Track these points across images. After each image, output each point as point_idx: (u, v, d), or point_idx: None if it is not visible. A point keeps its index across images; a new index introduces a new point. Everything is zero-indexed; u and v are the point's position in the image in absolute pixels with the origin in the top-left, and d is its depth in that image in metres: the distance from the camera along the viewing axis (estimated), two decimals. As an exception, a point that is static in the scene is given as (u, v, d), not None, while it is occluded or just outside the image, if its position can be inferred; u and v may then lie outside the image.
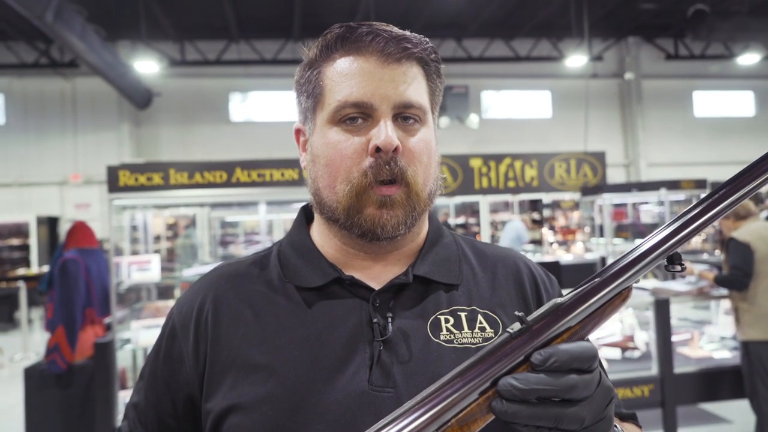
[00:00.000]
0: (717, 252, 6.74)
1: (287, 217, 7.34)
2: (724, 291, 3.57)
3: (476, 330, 0.71)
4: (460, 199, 9.30)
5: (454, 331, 0.70)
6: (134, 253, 5.08)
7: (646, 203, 8.61)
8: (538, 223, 11.16)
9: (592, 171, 8.81)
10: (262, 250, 0.82)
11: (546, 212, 11.32)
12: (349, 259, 0.74)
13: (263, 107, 12.98)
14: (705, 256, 6.58)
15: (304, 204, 0.84)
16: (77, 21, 7.99)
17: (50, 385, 3.42)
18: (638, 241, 0.56)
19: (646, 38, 13.53)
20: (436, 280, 0.74)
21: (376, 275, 0.74)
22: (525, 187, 8.74)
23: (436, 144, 0.75)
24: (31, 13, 6.92)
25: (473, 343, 0.69)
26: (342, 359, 0.67)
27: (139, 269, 3.30)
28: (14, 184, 11.83)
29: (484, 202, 8.61)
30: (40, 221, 11.38)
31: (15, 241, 11.25)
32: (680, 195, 6.65)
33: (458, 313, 0.72)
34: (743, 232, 3.29)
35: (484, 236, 8.69)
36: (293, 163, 3.49)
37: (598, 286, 0.53)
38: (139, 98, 11.53)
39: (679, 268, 0.55)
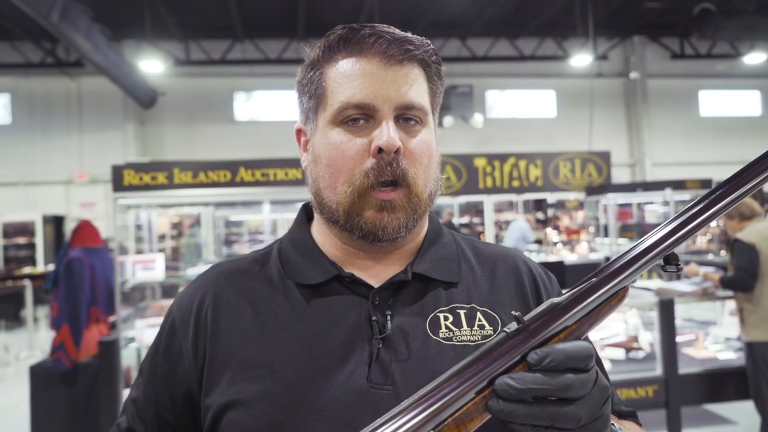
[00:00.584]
0: (722, 252, 6.71)
1: (291, 216, 7.36)
2: (729, 292, 3.55)
3: (475, 327, 0.71)
4: (464, 199, 9.29)
5: (453, 328, 0.70)
6: (139, 252, 5.10)
7: (651, 203, 8.58)
8: (542, 223, 11.14)
9: (597, 171, 8.79)
10: (263, 248, 0.82)
11: (550, 212, 11.29)
12: (349, 257, 0.75)
13: (267, 106, 13.00)
14: (710, 257, 6.55)
15: (304, 203, 0.84)
16: (83, 20, 8.03)
17: (55, 383, 3.44)
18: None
19: (651, 37, 13.47)
20: (435, 277, 0.74)
21: (376, 273, 0.74)
22: (529, 186, 8.73)
23: (436, 145, 0.75)
24: (36, 13, 6.95)
25: (472, 341, 0.70)
26: (341, 356, 0.67)
27: (144, 268, 3.31)
28: (20, 183, 11.89)
29: (489, 201, 8.60)
30: (46, 220, 11.44)
31: (21, 240, 11.31)
32: (685, 195, 6.62)
33: (457, 310, 0.72)
34: (748, 233, 3.27)
35: (489, 236, 8.68)
36: (297, 163, 3.50)
37: (595, 286, 0.53)
38: (144, 98, 11.57)
39: (675, 268, 0.55)
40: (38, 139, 12.07)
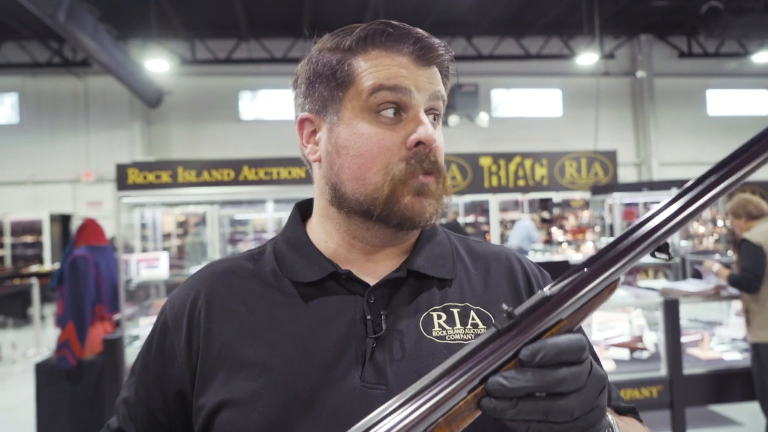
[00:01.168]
0: (729, 252, 6.66)
1: (296, 215, 7.32)
2: (735, 291, 3.53)
3: (468, 326, 0.71)
4: (469, 198, 9.28)
5: (447, 327, 0.70)
6: (145, 250, 5.13)
7: (657, 203, 8.53)
8: (547, 222, 11.10)
9: (603, 170, 8.75)
10: (256, 247, 0.82)
11: (556, 211, 11.26)
12: (350, 253, 0.75)
13: (273, 105, 13.02)
14: (717, 257, 6.51)
15: (297, 201, 0.84)
16: (89, 20, 8.07)
17: (61, 381, 3.46)
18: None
19: (658, 36, 13.39)
20: (431, 274, 0.74)
21: (372, 270, 0.74)
22: (535, 185, 8.71)
23: None
24: (43, 13, 6.99)
25: (465, 339, 0.69)
26: (335, 355, 0.67)
27: (148, 266, 3.33)
28: (28, 182, 11.97)
29: (494, 200, 8.58)
30: (53, 219, 11.51)
31: (28, 239, 11.39)
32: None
33: (451, 309, 0.72)
34: (756, 234, 3.24)
35: (494, 235, 8.66)
36: (300, 162, 3.47)
37: (587, 278, 0.52)
38: (150, 97, 11.63)
39: (666, 257, 0.54)
40: (45, 139, 12.15)
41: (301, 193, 3.85)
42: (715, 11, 9.65)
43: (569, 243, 8.95)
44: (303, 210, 0.82)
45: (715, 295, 3.67)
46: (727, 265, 3.67)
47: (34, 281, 7.35)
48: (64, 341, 3.39)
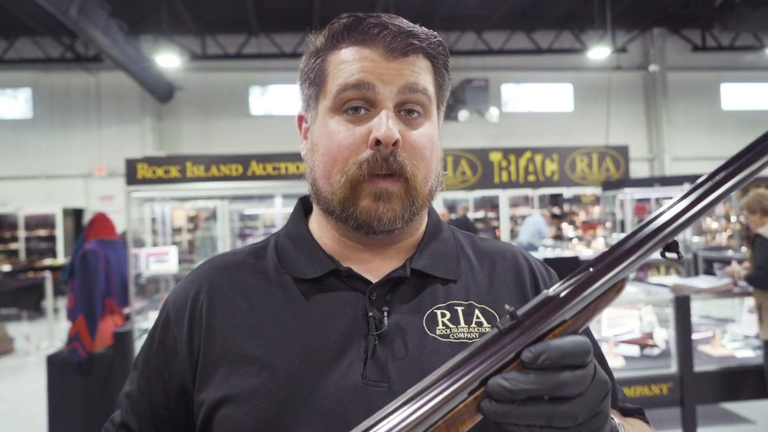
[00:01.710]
0: (743, 249, 6.58)
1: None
2: (747, 288, 3.48)
3: (473, 325, 0.70)
4: (479, 193, 9.26)
5: (451, 325, 0.69)
6: (155, 244, 5.16)
7: (670, 198, 8.44)
8: (558, 218, 11.04)
9: (615, 165, 8.67)
10: (259, 241, 0.82)
11: (566, 207, 11.18)
12: (347, 251, 0.74)
13: (283, 101, 13.04)
14: (730, 253, 6.43)
15: (302, 196, 0.83)
16: (100, 16, 8.12)
17: (71, 373, 3.51)
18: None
19: (672, 29, 13.20)
20: (434, 274, 0.73)
21: (374, 268, 0.73)
22: (545, 181, 8.66)
23: (439, 140, 0.74)
24: (55, 8, 7.04)
25: (470, 338, 0.68)
26: (336, 352, 0.66)
27: (157, 261, 3.35)
28: (41, 177, 12.11)
29: (504, 196, 8.56)
30: (66, 213, 11.64)
31: (42, 232, 11.53)
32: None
33: (455, 307, 0.71)
34: (769, 229, 3.20)
35: (504, 231, 8.63)
36: (308, 157, 3.48)
37: (592, 277, 0.50)
38: (161, 92, 11.69)
39: (675, 255, 0.52)
40: (58, 133, 12.27)
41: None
42: (730, 4, 9.50)
43: (580, 239, 8.88)
44: (307, 204, 0.81)
45: (727, 291, 3.63)
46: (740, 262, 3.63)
47: (48, 274, 7.45)
48: (74, 334, 3.42)
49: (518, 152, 8.26)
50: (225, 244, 6.91)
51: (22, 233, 11.40)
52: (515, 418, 0.48)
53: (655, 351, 3.60)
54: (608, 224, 8.92)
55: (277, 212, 5.64)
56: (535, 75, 13.47)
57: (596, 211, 10.27)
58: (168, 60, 10.06)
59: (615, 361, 3.41)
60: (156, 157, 4.01)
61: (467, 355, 0.50)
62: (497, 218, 10.00)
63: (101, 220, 3.70)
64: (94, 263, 3.39)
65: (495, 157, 8.56)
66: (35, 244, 11.53)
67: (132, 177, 3.34)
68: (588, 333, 0.72)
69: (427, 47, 0.69)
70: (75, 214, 12.04)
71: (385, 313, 0.68)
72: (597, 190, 8.33)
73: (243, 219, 9.76)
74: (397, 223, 0.68)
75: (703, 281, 3.85)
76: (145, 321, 3.55)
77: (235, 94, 12.83)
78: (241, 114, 12.85)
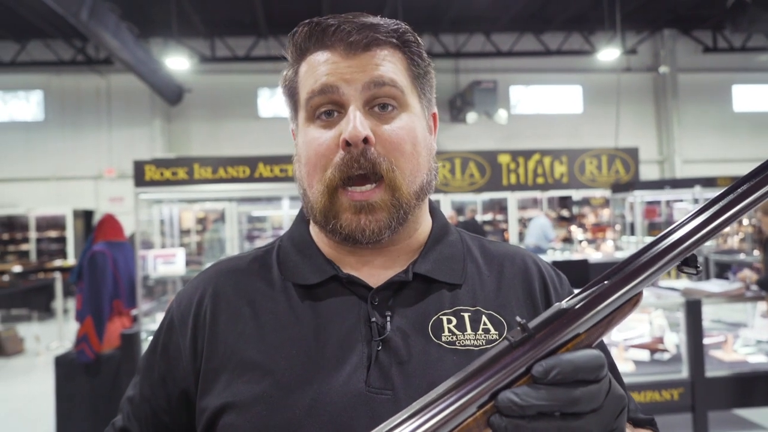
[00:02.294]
0: (755, 252, 6.49)
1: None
2: (759, 292, 3.43)
3: (480, 332, 0.68)
4: (487, 196, 9.21)
5: (457, 332, 0.68)
6: (164, 246, 5.18)
7: (681, 201, 8.36)
8: (567, 220, 10.97)
9: (624, 167, 8.60)
10: (264, 245, 0.81)
11: (575, 209, 11.11)
12: (345, 256, 0.72)
13: (291, 103, 13.07)
14: (742, 257, 6.35)
15: None
16: (111, 19, 8.18)
17: (79, 374, 3.52)
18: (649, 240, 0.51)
19: (682, 30, 13.10)
20: (438, 279, 0.71)
21: (376, 272, 0.71)
22: (554, 183, 8.60)
23: (426, 131, 0.72)
24: (66, 11, 7.10)
25: (476, 345, 0.67)
26: (339, 359, 0.65)
27: (165, 262, 3.36)
28: (52, 178, 12.21)
29: (513, 198, 8.50)
30: (77, 214, 11.74)
31: (53, 234, 11.63)
32: (716, 193, 6.42)
33: (461, 313, 0.69)
34: (782, 232, 3.15)
35: (512, 233, 8.58)
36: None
37: (607, 290, 0.49)
38: (171, 94, 11.76)
39: (693, 270, 0.50)
40: (69, 135, 12.37)
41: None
42: (741, 4, 9.40)
43: (589, 242, 8.82)
44: None
45: (739, 296, 3.58)
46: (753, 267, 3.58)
47: (58, 275, 7.50)
48: (82, 335, 3.44)
49: (527, 154, 8.21)
50: (233, 246, 6.93)
51: (33, 234, 11.50)
52: None
53: (666, 356, 3.56)
54: (618, 227, 8.85)
55: (284, 214, 5.65)
56: (544, 77, 13.41)
57: (605, 213, 10.20)
58: (177, 62, 10.12)
59: (625, 366, 3.37)
60: (164, 159, 4.03)
61: (476, 368, 0.48)
62: (506, 221, 9.95)
63: (109, 222, 3.72)
64: (102, 265, 3.41)
65: (503, 159, 8.51)
66: (46, 245, 11.63)
67: (140, 179, 3.35)
68: (600, 342, 0.70)
69: (390, 37, 0.67)
70: (85, 216, 12.13)
71: (388, 318, 0.67)
72: (606, 193, 8.26)
73: (251, 221, 9.78)
74: (383, 233, 0.67)
75: (714, 285, 3.80)
76: (152, 323, 3.56)
77: (244, 96, 12.88)
78: (250, 116, 12.90)
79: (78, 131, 12.40)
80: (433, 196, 0.82)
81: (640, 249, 0.51)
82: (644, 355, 3.56)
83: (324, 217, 0.68)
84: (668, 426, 3.46)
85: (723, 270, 6.34)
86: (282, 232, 0.83)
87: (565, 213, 11.23)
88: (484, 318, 0.69)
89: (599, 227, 9.69)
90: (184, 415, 0.71)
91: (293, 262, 0.73)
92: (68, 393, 3.54)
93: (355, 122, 0.64)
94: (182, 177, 3.35)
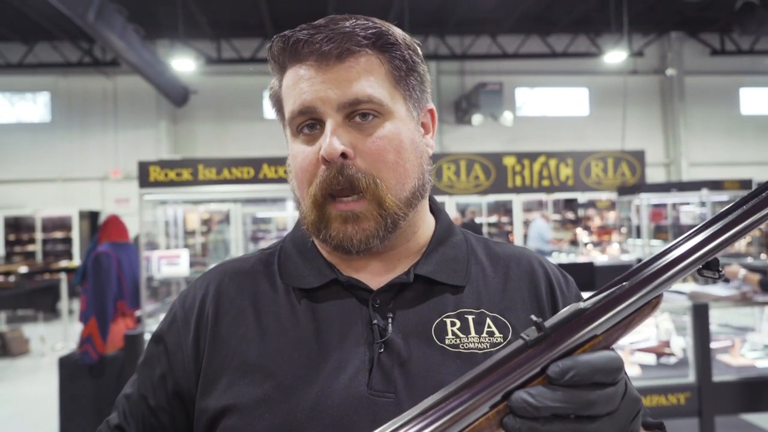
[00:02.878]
0: (762, 256, 6.44)
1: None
2: (764, 295, 3.39)
3: (484, 335, 0.67)
4: (492, 198, 9.18)
5: (461, 335, 0.67)
6: (168, 247, 5.19)
7: (687, 204, 8.31)
8: (572, 223, 10.93)
9: (631, 170, 8.56)
10: (269, 246, 0.80)
11: (581, 212, 11.07)
12: (343, 260, 0.72)
13: (296, 105, 13.11)
14: (749, 260, 6.30)
15: None
16: (118, 20, 8.21)
17: (83, 375, 3.52)
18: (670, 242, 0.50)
19: (690, 33, 13.04)
20: (440, 280, 0.70)
21: (376, 275, 0.71)
22: (560, 186, 8.56)
23: (415, 133, 0.69)
24: (73, 13, 7.14)
25: (480, 349, 0.66)
26: (340, 362, 0.64)
27: (169, 263, 3.36)
28: (58, 180, 12.27)
29: (518, 200, 8.48)
30: (82, 215, 11.79)
31: (59, 234, 11.69)
32: (723, 196, 6.38)
33: (465, 316, 0.68)
34: (791, 235, 3.11)
35: (517, 235, 8.56)
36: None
37: (627, 292, 0.48)
38: (177, 96, 11.80)
39: (716, 275, 0.49)
40: (75, 137, 12.44)
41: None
42: (750, 7, 9.35)
43: (595, 244, 8.78)
44: None
45: (747, 300, 3.54)
46: (754, 269, 3.54)
47: (63, 276, 7.52)
48: (86, 336, 3.44)
49: (532, 156, 8.19)
50: (238, 247, 6.94)
51: (39, 235, 11.56)
52: None
53: (672, 360, 3.53)
54: (624, 230, 8.81)
55: (289, 215, 5.65)
56: (549, 79, 13.38)
57: (611, 216, 10.15)
58: (183, 64, 10.16)
59: (631, 370, 3.34)
60: (168, 160, 4.04)
61: (490, 366, 0.47)
62: (510, 223, 9.92)
63: (114, 223, 3.72)
64: (106, 266, 3.41)
65: (509, 161, 8.49)
66: (52, 246, 11.69)
67: (144, 180, 3.35)
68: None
69: (364, 45, 0.65)
70: (91, 217, 12.18)
71: (390, 320, 0.66)
72: (612, 195, 8.23)
73: (255, 222, 9.79)
74: (371, 242, 0.66)
75: (721, 289, 3.77)
76: (156, 324, 3.56)
77: (250, 97, 12.91)
78: (256, 118, 12.93)
79: (84, 133, 12.46)
80: (438, 198, 0.81)
81: (661, 251, 0.49)
82: (650, 359, 3.53)
83: (316, 228, 0.68)
84: (675, 430, 3.43)
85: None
86: (286, 233, 0.83)
87: (570, 215, 11.18)
88: (488, 320, 0.68)
89: (605, 230, 9.65)
90: (182, 415, 0.70)
91: (295, 265, 0.73)
92: (72, 394, 3.54)
93: (331, 140, 0.64)
94: (186, 178, 3.35)
